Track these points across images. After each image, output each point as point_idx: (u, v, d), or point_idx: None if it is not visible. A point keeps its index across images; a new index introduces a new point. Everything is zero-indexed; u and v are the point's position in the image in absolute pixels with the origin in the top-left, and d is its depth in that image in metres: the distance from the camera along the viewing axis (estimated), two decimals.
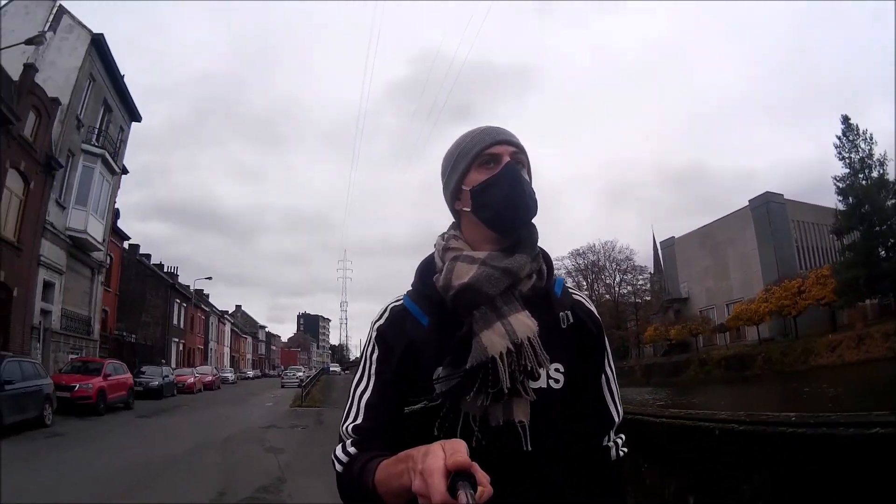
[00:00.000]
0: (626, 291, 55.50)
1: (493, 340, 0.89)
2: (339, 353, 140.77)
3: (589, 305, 1.07)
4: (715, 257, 46.69)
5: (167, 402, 18.65)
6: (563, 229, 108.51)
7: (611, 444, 1.04)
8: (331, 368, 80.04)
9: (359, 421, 0.96)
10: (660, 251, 55.52)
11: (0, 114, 14.01)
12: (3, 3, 17.84)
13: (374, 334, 1.01)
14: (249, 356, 68.64)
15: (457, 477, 0.61)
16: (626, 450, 1.05)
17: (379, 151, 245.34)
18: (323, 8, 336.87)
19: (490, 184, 0.98)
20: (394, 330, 1.00)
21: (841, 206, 33.88)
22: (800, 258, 42.74)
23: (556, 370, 0.96)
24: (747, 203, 44.99)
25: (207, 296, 48.74)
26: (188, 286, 40.45)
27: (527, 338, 0.90)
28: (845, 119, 34.23)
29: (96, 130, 20.57)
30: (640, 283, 56.27)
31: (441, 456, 0.64)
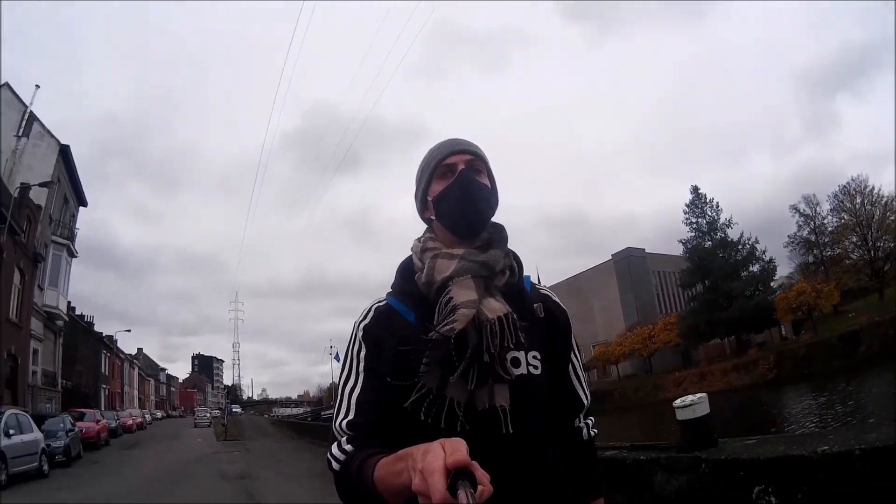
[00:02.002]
0: None
1: (463, 318, 0.94)
2: (233, 393, 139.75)
3: (555, 298, 1.16)
4: (581, 304, 49.38)
5: (123, 439, 23.34)
6: None
7: (582, 425, 1.14)
8: (233, 409, 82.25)
9: (351, 416, 0.98)
10: None
11: (10, 227, 19.26)
12: None
13: (360, 333, 1.04)
14: (153, 398, 69.76)
15: (457, 476, 0.61)
16: (596, 431, 1.15)
17: (269, 198, 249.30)
18: (232, 57, 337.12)
19: (445, 193, 1.06)
20: (381, 327, 1.02)
21: (688, 264, 38.84)
22: (660, 303, 47.00)
23: (534, 357, 1.02)
24: (611, 257, 49.94)
25: (116, 341, 51.39)
26: (101, 332, 43.65)
27: (497, 318, 0.95)
28: (695, 189, 38.80)
29: (60, 223, 25.39)
30: None
31: (441, 455, 0.64)
